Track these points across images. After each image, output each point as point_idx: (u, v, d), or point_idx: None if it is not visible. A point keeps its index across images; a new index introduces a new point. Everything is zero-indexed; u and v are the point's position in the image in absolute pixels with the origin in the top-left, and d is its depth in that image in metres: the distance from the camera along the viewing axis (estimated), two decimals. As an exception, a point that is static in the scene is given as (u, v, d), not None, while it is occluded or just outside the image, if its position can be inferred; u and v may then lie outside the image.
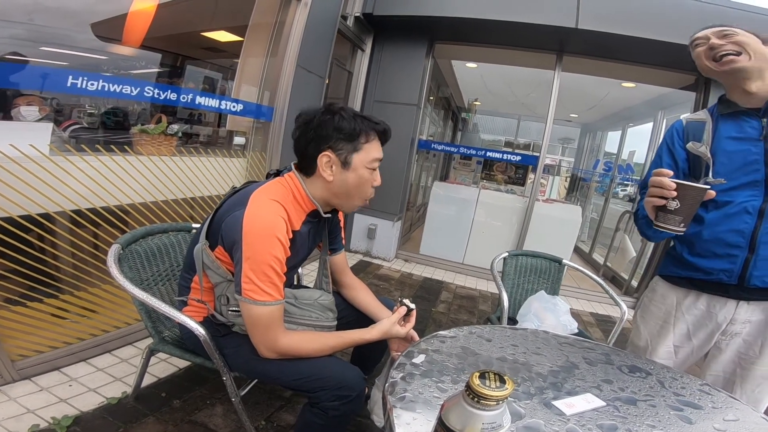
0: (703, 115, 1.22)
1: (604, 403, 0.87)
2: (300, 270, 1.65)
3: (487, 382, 0.56)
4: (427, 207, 4.79)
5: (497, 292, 1.94)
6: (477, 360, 1.01)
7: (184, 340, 1.27)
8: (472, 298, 3.63)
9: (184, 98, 1.91)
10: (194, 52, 2.95)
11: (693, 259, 1.18)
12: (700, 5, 3.23)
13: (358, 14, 3.80)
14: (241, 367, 1.16)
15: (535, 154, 4.32)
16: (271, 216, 1.00)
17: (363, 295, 1.38)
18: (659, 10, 3.18)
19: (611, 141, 6.53)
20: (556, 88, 4.06)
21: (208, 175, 2.18)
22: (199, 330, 1.12)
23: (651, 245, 3.98)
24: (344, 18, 3.65)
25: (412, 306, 1.24)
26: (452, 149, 5.22)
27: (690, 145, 1.18)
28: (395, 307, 1.24)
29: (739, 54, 1.07)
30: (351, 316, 1.35)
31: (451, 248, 4.49)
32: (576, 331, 1.90)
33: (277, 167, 1.22)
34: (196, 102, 1.99)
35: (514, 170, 5.70)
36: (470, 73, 5.59)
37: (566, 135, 7.95)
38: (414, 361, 0.95)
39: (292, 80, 2.66)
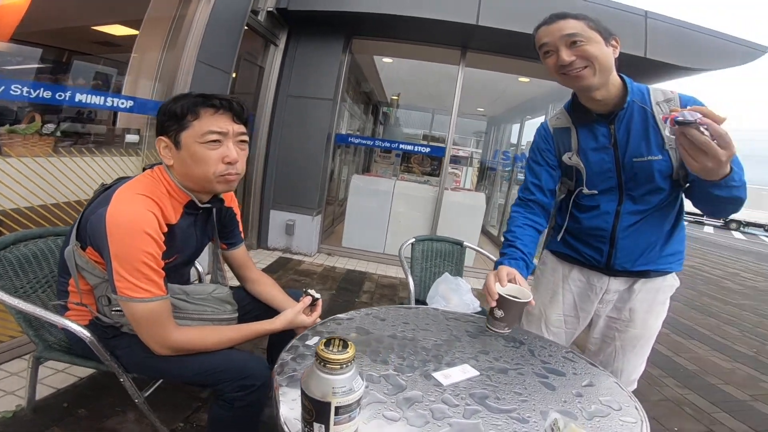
0: (564, 119, 1.28)
1: (478, 373, 0.92)
2: (200, 268, 1.61)
3: (331, 347, 0.61)
4: (348, 200, 4.86)
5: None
6: (369, 338, 1.04)
7: (72, 346, 1.21)
8: (393, 287, 3.76)
9: (60, 96, 1.74)
10: (85, 47, 2.71)
11: (574, 243, 1.33)
12: (590, 5, 3.63)
13: (271, 9, 3.72)
14: (137, 366, 1.13)
15: (443, 145, 4.57)
16: (136, 211, 0.97)
17: (268, 289, 1.37)
18: (550, 8, 3.50)
19: (514, 133, 7.07)
20: (461, 83, 4.30)
21: (95, 176, 2.02)
22: (83, 332, 1.07)
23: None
24: (255, 13, 3.55)
25: (318, 295, 1.26)
26: (368, 142, 5.34)
27: (565, 158, 1.28)
28: (301, 298, 1.26)
29: (585, 68, 1.09)
30: (257, 310, 1.34)
31: (372, 239, 4.60)
32: (479, 309, 2.00)
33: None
34: (76, 99, 1.82)
35: (430, 162, 5.96)
36: (389, 68, 5.73)
37: (479, 128, 8.44)
38: (307, 343, 0.98)
39: (191, 76, 2.57)
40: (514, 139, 6.99)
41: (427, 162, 5.94)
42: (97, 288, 1.08)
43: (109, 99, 2.00)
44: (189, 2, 2.67)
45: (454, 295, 2.08)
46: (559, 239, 1.38)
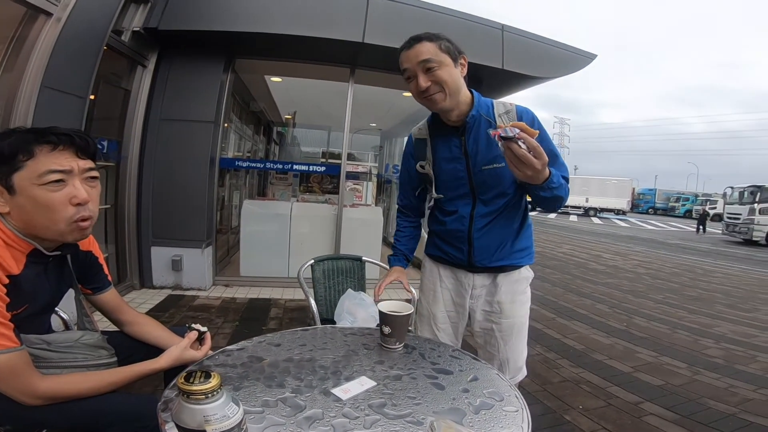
0: (425, 131, 1.43)
1: (375, 383, 0.95)
2: (66, 316, 1.44)
3: (192, 379, 0.64)
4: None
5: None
6: (263, 365, 1.02)
7: None
8: (302, 309, 3.64)
9: None
10: None
11: (441, 245, 1.47)
12: (453, 20, 3.96)
13: (138, 29, 3.43)
14: (8, 419, 1.00)
15: (338, 162, 4.62)
16: None
17: (148, 329, 1.29)
18: (427, 24, 3.74)
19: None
20: (351, 100, 4.40)
21: None
22: None
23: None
24: (118, 33, 3.26)
25: (204, 329, 1.22)
26: (258, 165, 5.15)
27: (418, 166, 1.45)
28: (186, 334, 1.21)
29: (439, 92, 1.22)
30: (142, 352, 1.24)
31: (274, 264, 4.43)
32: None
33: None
34: None
35: (330, 180, 5.94)
36: (281, 87, 5.65)
37: (375, 143, 8.66)
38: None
39: (34, 102, 2.28)
40: (405, 152, 7.28)
41: (327, 180, 5.91)
42: None
43: None
44: (33, 22, 2.40)
45: (360, 309, 2.09)
46: (431, 243, 1.53)
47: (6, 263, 0.93)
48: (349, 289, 2.20)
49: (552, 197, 1.17)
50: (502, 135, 1.01)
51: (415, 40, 1.22)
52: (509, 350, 1.42)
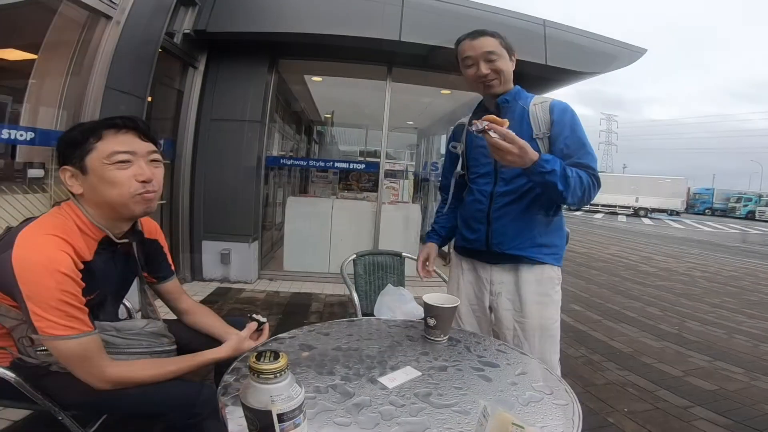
0: (467, 118, 1.53)
1: (420, 374, 0.96)
2: (129, 305, 1.48)
3: (263, 358, 0.65)
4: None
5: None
6: (314, 353, 1.06)
7: None
8: (342, 304, 3.71)
9: None
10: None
11: (463, 230, 1.49)
12: (496, 17, 3.90)
13: (188, 31, 3.60)
14: (75, 403, 1.07)
15: (377, 160, 4.66)
16: (45, 252, 0.92)
17: (205, 319, 1.34)
18: (463, 22, 3.71)
19: (442, 143, 7.34)
20: (389, 98, 4.42)
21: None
22: (7, 374, 1.01)
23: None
24: (170, 35, 3.43)
25: (264, 320, 1.25)
26: (301, 163, 5.27)
27: (450, 146, 1.58)
28: (246, 324, 1.24)
29: (495, 79, 1.35)
30: (197, 341, 1.30)
31: (315, 260, 4.53)
32: (423, 316, 2.07)
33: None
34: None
35: (368, 178, 6.01)
36: (320, 86, 5.75)
37: (411, 141, 8.64)
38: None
39: (100, 103, 2.44)
40: (442, 150, 7.26)
41: (365, 178, 5.98)
42: (15, 329, 1.03)
43: (3, 131, 1.80)
44: (95, 26, 2.56)
45: (399, 305, 2.11)
46: (457, 234, 1.57)
47: (80, 249, 0.99)
48: (389, 285, 2.22)
49: (543, 182, 1.19)
50: (473, 129, 1.11)
51: (480, 33, 1.34)
52: (535, 351, 1.36)
